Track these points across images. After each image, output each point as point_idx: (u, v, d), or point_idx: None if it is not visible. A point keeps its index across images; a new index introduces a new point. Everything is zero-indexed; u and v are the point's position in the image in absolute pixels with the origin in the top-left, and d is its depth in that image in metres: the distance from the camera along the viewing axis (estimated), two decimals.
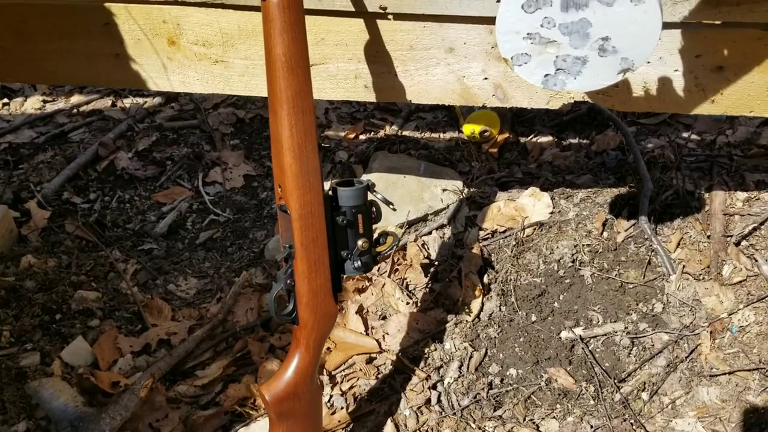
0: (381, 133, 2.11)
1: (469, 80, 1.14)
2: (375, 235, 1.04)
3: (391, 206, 1.04)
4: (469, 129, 1.94)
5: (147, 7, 1.17)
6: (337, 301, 1.04)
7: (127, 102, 2.37)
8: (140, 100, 2.37)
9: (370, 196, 1.01)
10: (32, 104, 2.34)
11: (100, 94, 2.40)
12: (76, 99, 2.38)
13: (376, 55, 1.14)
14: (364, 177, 1.79)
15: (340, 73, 1.19)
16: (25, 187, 1.90)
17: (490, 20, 1.03)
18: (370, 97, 1.21)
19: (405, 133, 2.09)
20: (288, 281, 0.98)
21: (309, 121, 0.91)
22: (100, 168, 2.02)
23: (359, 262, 1.01)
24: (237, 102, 2.35)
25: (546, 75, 0.83)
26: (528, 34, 0.79)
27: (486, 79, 1.13)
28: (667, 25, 0.99)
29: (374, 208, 1.02)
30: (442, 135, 2.06)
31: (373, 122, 2.20)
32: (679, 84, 1.07)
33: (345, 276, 1.05)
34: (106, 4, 1.18)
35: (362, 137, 2.12)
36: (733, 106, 1.09)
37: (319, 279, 0.98)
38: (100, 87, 2.34)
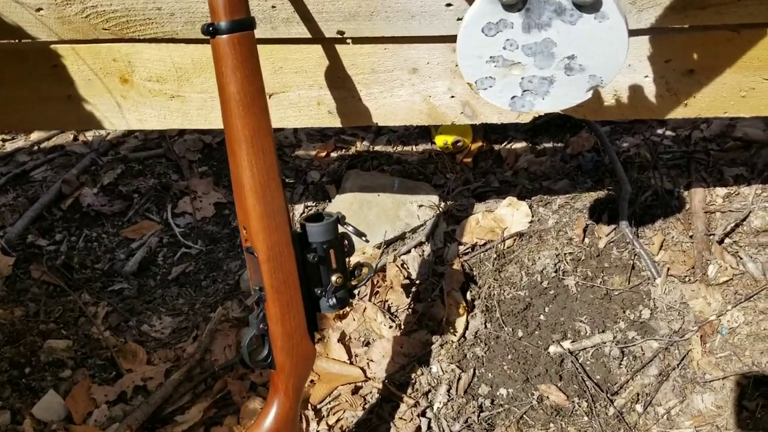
0: (352, 150, 2.08)
1: (435, 99, 1.11)
2: (350, 268, 1.01)
3: (363, 238, 1.00)
4: (442, 140, 1.91)
5: (95, 46, 1.12)
6: (314, 340, 1.00)
7: (90, 135, 2.31)
8: (103, 132, 2.32)
9: (340, 229, 0.98)
10: None
11: (61, 129, 2.34)
12: (36, 135, 2.32)
13: (338, 80, 1.11)
14: (339, 197, 1.76)
15: (302, 101, 1.15)
16: None
17: (452, 38, 1.00)
18: (335, 122, 1.17)
19: (377, 148, 2.06)
20: (261, 326, 0.94)
21: (270, 159, 0.88)
22: (64, 206, 1.96)
23: (334, 299, 0.97)
24: (204, 128, 2.30)
25: (513, 97, 0.81)
26: (491, 57, 0.77)
27: (453, 97, 1.10)
28: (634, 32, 0.97)
29: (346, 241, 0.99)
30: (414, 148, 2.03)
31: (344, 138, 2.16)
32: (650, 90, 1.05)
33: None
34: (53, 46, 1.13)
35: (333, 155, 2.09)
36: (706, 109, 1.07)
37: (293, 321, 0.95)
38: (51, 130, 2.28)
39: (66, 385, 1.39)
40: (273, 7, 0.99)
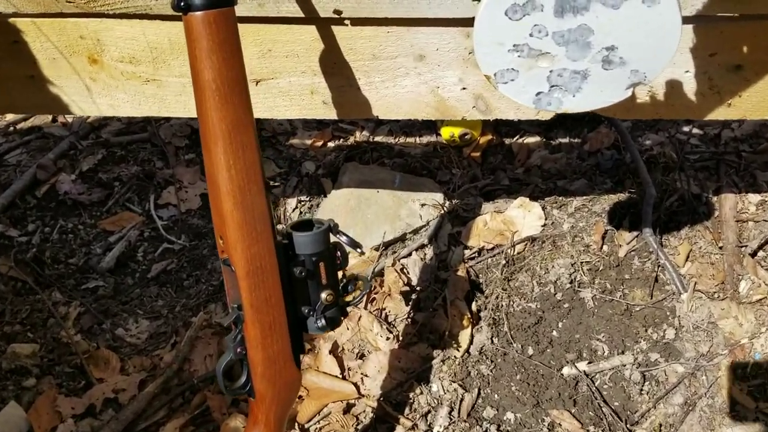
0: (351, 140, 1.96)
1: (444, 91, 1.00)
2: (342, 282, 0.90)
3: (358, 250, 0.89)
4: (448, 132, 1.80)
5: (59, 21, 1.01)
6: (300, 364, 0.89)
7: (70, 117, 2.19)
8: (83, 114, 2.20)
9: (332, 238, 0.87)
10: None
11: (25, 113, 2.22)
12: (12, 116, 2.21)
13: (334, 66, 0.99)
14: (335, 192, 1.65)
15: (293, 89, 1.04)
16: None
17: (466, 22, 0.89)
18: (331, 114, 1.06)
19: (377, 138, 1.94)
20: (238, 349, 0.83)
21: (251, 158, 0.77)
22: (39, 194, 1.85)
23: (323, 320, 0.87)
24: None
25: (538, 93, 0.70)
26: (514, 45, 0.65)
27: (464, 89, 0.99)
28: None
29: (339, 253, 0.88)
30: (418, 139, 1.91)
31: (342, 127, 2.05)
32: (690, 87, 0.94)
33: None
34: (12, 20, 1.02)
35: (330, 144, 1.97)
36: (753, 110, 0.96)
37: (276, 344, 0.84)
38: (15, 113, 2.16)
39: (29, 395, 1.29)
40: None
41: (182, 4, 0.71)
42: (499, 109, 1.01)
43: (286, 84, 1.03)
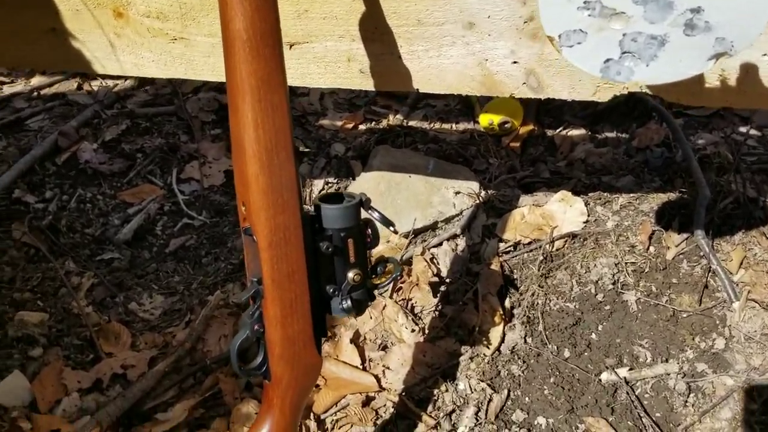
0: (383, 123, 1.90)
1: (493, 64, 0.93)
2: (371, 263, 0.84)
3: (391, 227, 0.84)
4: (487, 119, 1.73)
5: None
6: (321, 348, 0.84)
7: (95, 85, 2.17)
8: (110, 83, 2.17)
9: (363, 214, 0.81)
10: None
11: (65, 76, 2.20)
12: (37, 81, 2.18)
13: (375, 31, 0.93)
14: (364, 175, 1.59)
15: (329, 55, 0.98)
16: None
17: None
18: (368, 84, 1.00)
19: (411, 123, 1.88)
20: (256, 327, 0.78)
21: (281, 118, 0.71)
22: (59, 161, 1.82)
23: (349, 301, 0.81)
24: (221, 85, 2.14)
25: (607, 60, 0.63)
26: (585, 2, 0.59)
27: (515, 63, 0.92)
28: None
29: (369, 230, 0.82)
30: (454, 126, 1.85)
31: (374, 110, 1.99)
32: (767, 73, 0.86)
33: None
34: None
35: (362, 127, 1.92)
36: None
37: (297, 324, 0.78)
38: (37, 69, 2.14)
39: (35, 365, 1.25)
40: None
41: None
42: (553, 87, 0.94)
43: (321, 49, 0.98)
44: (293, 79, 1.04)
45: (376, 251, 1.39)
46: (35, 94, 2.12)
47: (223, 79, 1.04)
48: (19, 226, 1.55)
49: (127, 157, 1.85)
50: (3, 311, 1.33)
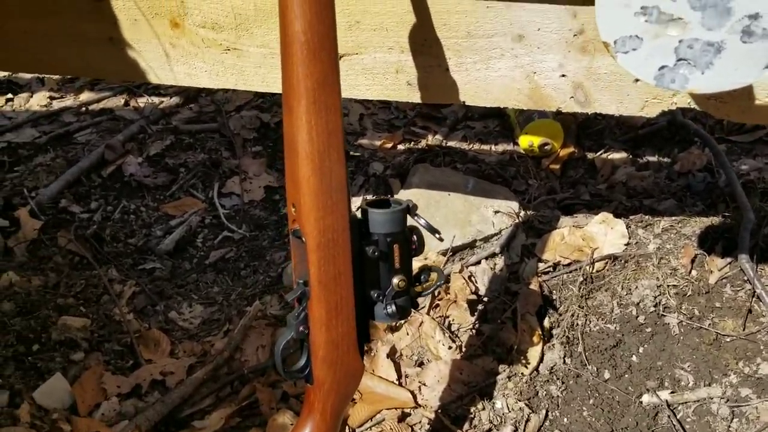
0: (422, 143, 1.92)
1: (541, 77, 0.94)
2: (414, 271, 0.85)
3: (437, 235, 0.84)
4: (527, 141, 1.73)
5: None
6: (363, 354, 0.84)
7: (142, 101, 2.22)
8: (156, 100, 2.22)
9: (410, 221, 0.82)
10: (38, 101, 2.21)
11: (113, 92, 2.26)
12: (86, 96, 2.25)
13: (424, 43, 0.95)
14: (403, 192, 1.60)
15: (377, 66, 1.00)
16: (19, 192, 1.75)
17: None
18: (414, 96, 1.01)
19: (450, 143, 1.89)
20: (300, 328, 0.78)
21: (334, 121, 0.72)
22: (105, 173, 1.86)
23: (393, 306, 0.81)
24: (263, 104, 2.18)
25: (662, 67, 0.63)
26: (642, 8, 0.59)
27: (564, 76, 0.93)
28: None
29: (415, 237, 0.82)
30: (493, 147, 1.85)
31: (413, 131, 2.01)
32: None
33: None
34: None
35: (401, 147, 1.93)
36: None
37: (341, 327, 0.79)
38: (95, 79, 2.20)
39: (76, 369, 1.27)
40: None
41: None
42: (600, 101, 0.95)
43: (370, 60, 0.99)
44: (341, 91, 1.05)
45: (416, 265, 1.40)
46: (83, 109, 2.18)
47: (272, 90, 1.07)
48: (65, 234, 1.59)
49: (171, 171, 1.89)
50: (47, 315, 1.35)
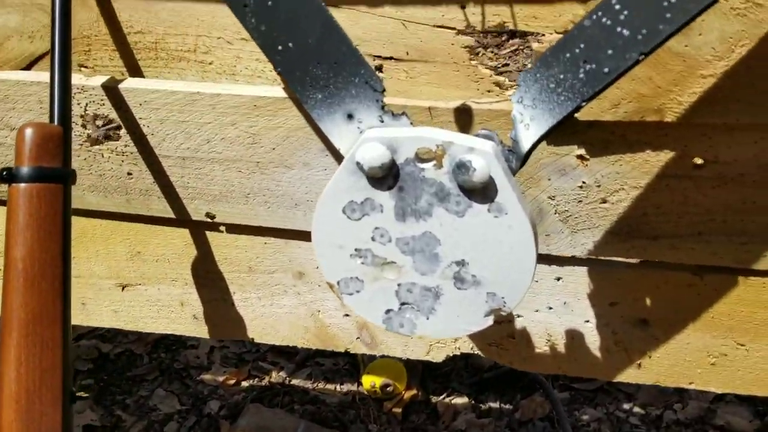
0: (266, 380, 1.83)
1: (325, 316, 0.91)
2: None
3: None
4: (369, 381, 1.68)
5: None
6: None
7: None
8: None
9: None
10: None
11: None
12: None
13: (206, 276, 0.92)
14: None
15: (162, 299, 0.96)
16: None
17: None
18: (201, 331, 0.97)
19: (294, 381, 1.81)
20: None
21: (51, 360, 0.65)
22: None
23: None
24: (105, 334, 2.07)
25: (388, 311, 0.61)
26: (356, 249, 0.59)
27: (347, 315, 0.91)
28: (569, 261, 0.81)
29: None
30: (338, 387, 1.78)
31: (261, 366, 1.92)
32: (593, 340, 0.86)
33: None
34: None
35: (244, 384, 1.83)
36: (666, 374, 0.87)
37: None
38: None
39: None
40: (129, 174, 0.84)
41: (5, 174, 0.66)
42: (386, 343, 0.92)
43: (155, 292, 0.95)
44: (125, 323, 0.99)
45: None
46: None
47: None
48: None
49: None
50: None
